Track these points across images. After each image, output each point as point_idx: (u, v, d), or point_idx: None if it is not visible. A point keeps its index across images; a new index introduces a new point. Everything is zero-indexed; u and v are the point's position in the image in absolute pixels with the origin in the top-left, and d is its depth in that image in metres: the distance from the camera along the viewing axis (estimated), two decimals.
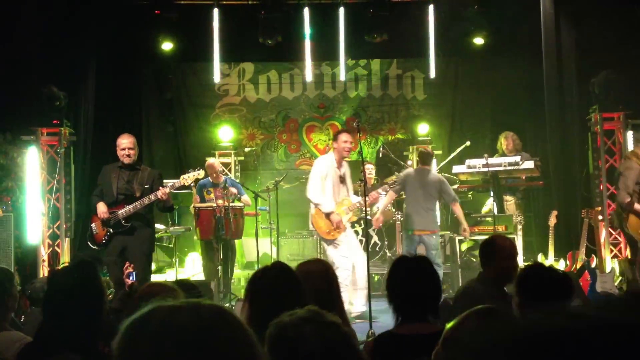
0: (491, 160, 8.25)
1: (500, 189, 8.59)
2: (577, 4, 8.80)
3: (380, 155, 9.83)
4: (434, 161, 8.71)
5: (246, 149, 10.64)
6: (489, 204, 8.69)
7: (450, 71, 10.93)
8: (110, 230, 6.65)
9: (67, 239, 8.26)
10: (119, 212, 6.61)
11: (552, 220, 7.90)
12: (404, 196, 8.14)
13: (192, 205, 8.39)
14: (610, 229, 8.25)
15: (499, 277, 3.75)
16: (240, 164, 10.55)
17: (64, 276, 3.19)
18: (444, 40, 10.14)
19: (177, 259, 8.83)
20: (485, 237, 7.57)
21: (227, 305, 7.49)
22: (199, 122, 11.05)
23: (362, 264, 6.64)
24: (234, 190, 8.05)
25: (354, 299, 6.89)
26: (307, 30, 9.97)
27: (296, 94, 11.22)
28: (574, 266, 7.62)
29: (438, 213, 8.37)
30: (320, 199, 7.08)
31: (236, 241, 8.36)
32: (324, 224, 7.06)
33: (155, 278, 7.56)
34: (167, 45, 9.98)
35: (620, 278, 7.67)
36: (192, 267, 9.09)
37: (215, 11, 9.86)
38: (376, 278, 8.66)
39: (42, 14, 8.39)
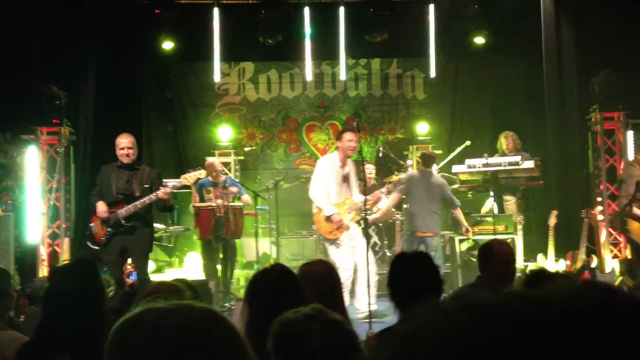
0: (491, 160, 8.25)
1: (500, 188, 8.59)
2: (577, 2, 8.80)
3: (380, 155, 9.82)
4: (434, 167, 8.69)
5: (246, 149, 10.63)
6: (489, 204, 8.68)
7: (450, 71, 10.92)
8: (110, 229, 6.64)
9: (66, 238, 8.26)
10: (119, 211, 6.60)
11: (552, 220, 7.90)
12: (403, 196, 8.13)
13: (192, 205, 8.39)
14: (610, 229, 8.25)
15: (495, 281, 3.71)
16: (240, 164, 10.55)
17: (65, 274, 3.19)
18: (444, 39, 10.13)
19: (177, 259, 8.83)
20: (485, 237, 7.63)
21: (227, 305, 7.49)
22: (199, 121, 11.04)
23: (370, 263, 6.60)
24: (234, 189, 8.04)
25: (363, 296, 6.79)
26: (307, 29, 9.97)
27: (296, 94, 11.21)
28: (574, 266, 7.62)
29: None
30: (322, 201, 7.04)
31: (237, 241, 8.35)
32: (325, 224, 7.04)
33: (154, 278, 7.55)
34: (167, 45, 9.98)
35: (620, 278, 7.67)
36: (191, 266, 9.08)
37: (216, 10, 9.86)
38: (376, 278, 8.64)
39: (43, 14, 8.39)
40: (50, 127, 8.28)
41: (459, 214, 7.90)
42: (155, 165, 8.80)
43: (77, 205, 8.53)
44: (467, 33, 10.02)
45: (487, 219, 8.36)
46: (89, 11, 8.73)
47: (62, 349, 2.65)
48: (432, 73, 10.31)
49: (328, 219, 6.98)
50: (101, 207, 6.62)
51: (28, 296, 6.87)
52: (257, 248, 7.89)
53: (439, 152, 9.95)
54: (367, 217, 6.92)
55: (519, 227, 8.21)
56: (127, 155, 6.66)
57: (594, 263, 7.67)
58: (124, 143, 6.69)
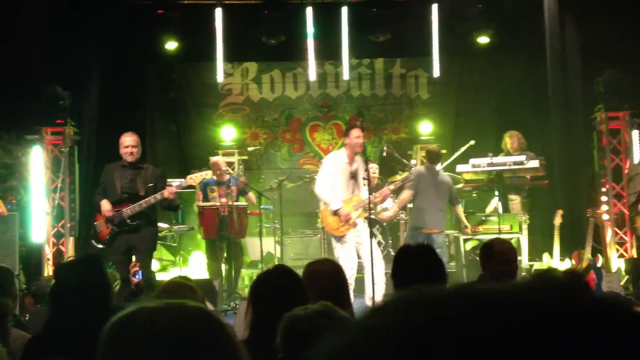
0: (496, 160, 8.22)
1: (505, 188, 8.57)
2: (581, 1, 8.79)
3: (384, 155, 9.80)
4: (438, 165, 8.67)
5: (249, 149, 10.61)
6: (494, 204, 8.66)
7: (454, 70, 10.90)
8: (115, 228, 6.63)
9: (71, 237, 8.26)
10: (124, 210, 6.58)
11: (558, 220, 7.88)
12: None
13: (196, 204, 8.38)
14: (616, 228, 8.23)
15: (494, 280, 3.68)
16: (244, 163, 10.54)
17: (70, 269, 3.19)
18: (447, 39, 10.12)
19: (181, 258, 8.83)
20: (490, 236, 7.61)
21: (232, 304, 7.48)
22: (202, 121, 11.04)
23: (377, 259, 6.57)
24: (244, 180, 8.03)
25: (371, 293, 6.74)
26: (310, 29, 9.96)
27: (299, 94, 11.20)
28: (579, 266, 7.60)
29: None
30: (328, 196, 7.02)
31: (242, 240, 8.34)
32: (332, 220, 6.99)
33: (159, 277, 7.55)
34: (170, 45, 9.98)
35: (626, 277, 7.65)
36: (196, 266, 9.07)
37: (218, 10, 9.85)
38: (384, 279, 8.62)
39: (46, 14, 8.39)
40: (55, 127, 8.28)
41: (460, 211, 7.91)
42: (158, 165, 8.79)
43: (82, 205, 8.53)
44: (471, 32, 10.01)
45: (492, 218, 8.35)
46: (92, 11, 8.73)
47: (69, 343, 2.64)
48: (436, 73, 10.29)
49: (335, 213, 6.94)
50: (105, 206, 6.61)
51: (33, 294, 6.88)
52: (261, 248, 7.89)
53: (443, 151, 9.93)
54: (371, 216, 6.90)
55: (524, 226, 8.19)
56: (131, 153, 6.66)
57: (599, 262, 7.65)
58: (128, 141, 6.68)
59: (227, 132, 10.51)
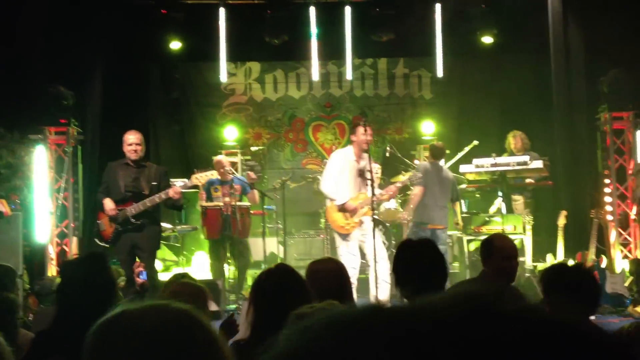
0: (499, 160, 8.21)
1: (509, 188, 8.55)
2: (585, 1, 8.77)
3: (387, 155, 9.78)
4: (442, 161, 8.66)
5: (253, 148, 10.60)
6: (497, 204, 8.65)
7: (457, 70, 10.88)
8: (119, 227, 6.62)
9: (75, 237, 8.27)
10: (128, 209, 6.57)
11: (561, 220, 7.87)
12: (409, 193, 8.09)
13: (199, 204, 8.37)
14: (620, 229, 8.21)
15: (498, 276, 3.64)
16: (247, 164, 10.53)
17: (75, 267, 3.20)
18: (451, 39, 10.10)
19: (184, 258, 8.83)
20: None
21: (235, 305, 7.48)
22: (205, 121, 11.04)
23: (382, 259, 6.55)
24: (253, 175, 8.02)
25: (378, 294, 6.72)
26: (314, 29, 9.95)
27: (302, 93, 11.19)
28: None
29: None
30: (332, 192, 6.98)
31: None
32: (338, 217, 6.96)
33: (161, 277, 7.55)
34: (173, 45, 9.98)
35: (630, 278, 7.63)
36: (199, 266, 9.07)
37: (222, 10, 9.85)
38: (389, 279, 8.62)
39: (49, 14, 8.40)
40: (58, 126, 8.30)
41: (458, 207, 7.94)
42: (162, 165, 8.79)
43: (85, 205, 8.53)
44: (474, 32, 9.99)
45: (496, 219, 8.33)
46: (96, 11, 8.74)
47: (76, 340, 2.65)
48: (439, 72, 10.28)
49: (341, 209, 6.90)
50: (109, 205, 6.60)
51: (37, 293, 6.87)
52: (264, 248, 7.88)
53: (447, 151, 9.93)
54: (375, 216, 6.88)
55: (528, 227, 8.18)
56: (135, 151, 6.65)
57: (603, 263, 7.64)
58: (132, 139, 6.68)
59: (230, 132, 10.51)
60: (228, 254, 7.89)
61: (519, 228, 8.20)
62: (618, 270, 7.79)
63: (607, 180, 8.33)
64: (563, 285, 2.91)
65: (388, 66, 11.17)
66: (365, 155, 7.02)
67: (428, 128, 10.50)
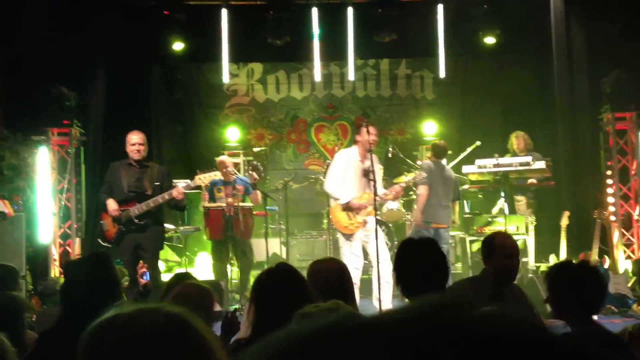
0: (502, 160, 8.20)
1: (511, 189, 8.54)
2: (588, 2, 8.76)
3: (390, 156, 9.78)
4: (444, 160, 8.65)
5: (255, 149, 10.61)
6: (500, 204, 8.64)
7: (459, 71, 10.89)
8: (122, 227, 6.62)
9: (77, 238, 8.28)
10: (131, 209, 6.57)
11: (564, 221, 7.86)
12: (412, 195, 8.08)
13: (202, 205, 8.38)
14: (622, 230, 8.20)
15: (499, 275, 3.62)
16: (250, 164, 10.54)
17: (79, 266, 3.20)
18: (453, 39, 10.11)
19: (187, 259, 8.83)
20: None
21: (238, 305, 7.48)
22: (207, 122, 11.05)
23: (385, 260, 6.54)
24: (256, 176, 8.01)
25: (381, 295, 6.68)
26: (316, 30, 9.97)
27: (305, 94, 11.20)
28: None
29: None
30: (336, 191, 6.96)
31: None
32: (342, 217, 6.93)
33: (164, 278, 7.55)
34: (176, 46, 10.00)
35: (634, 279, 7.62)
36: (201, 266, 9.08)
37: (224, 11, 9.87)
38: (392, 281, 8.62)
39: (51, 14, 8.41)
40: (61, 127, 8.31)
41: (457, 207, 7.91)
42: (164, 165, 8.81)
43: (88, 206, 8.54)
44: (477, 33, 9.99)
45: (498, 219, 8.33)
46: (98, 12, 8.75)
47: (79, 339, 2.65)
48: (442, 73, 10.29)
49: (347, 207, 6.88)
50: (112, 205, 6.60)
51: (40, 294, 6.88)
52: (267, 248, 7.88)
53: (449, 152, 9.93)
54: (377, 217, 6.86)
55: (531, 227, 8.17)
56: (138, 151, 6.66)
57: (606, 264, 7.62)
58: (135, 139, 6.69)
59: (233, 133, 10.52)
60: (231, 255, 7.90)
61: (521, 228, 8.20)
62: (621, 270, 7.78)
63: (609, 181, 8.32)
64: (568, 283, 2.90)
65: (390, 67, 11.18)
66: (373, 156, 7.00)
67: (430, 129, 10.51)
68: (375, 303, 6.62)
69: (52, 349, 2.78)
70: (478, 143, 9.24)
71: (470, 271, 8.21)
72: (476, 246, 8.42)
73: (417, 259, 3.07)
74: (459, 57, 10.69)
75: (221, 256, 7.87)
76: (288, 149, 11.18)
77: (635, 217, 8.25)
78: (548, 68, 9.15)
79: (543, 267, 7.83)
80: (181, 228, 8.89)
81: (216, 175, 7.00)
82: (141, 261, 6.43)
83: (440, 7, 9.91)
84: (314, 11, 9.90)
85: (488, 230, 8.20)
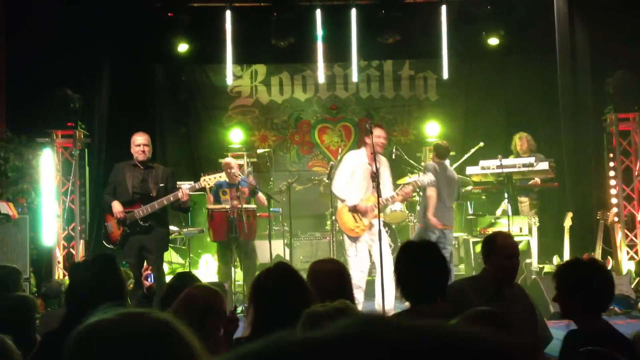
0: (505, 161, 8.19)
1: (515, 190, 8.54)
2: (591, 3, 8.76)
3: (393, 157, 9.78)
4: (447, 161, 8.64)
5: (259, 151, 10.63)
6: (504, 206, 8.64)
7: (463, 72, 10.89)
8: (127, 229, 6.63)
9: (81, 240, 8.30)
10: (136, 211, 6.58)
11: (568, 222, 7.85)
12: (415, 196, 8.07)
13: (207, 207, 8.39)
14: (626, 231, 8.19)
15: (498, 275, 3.61)
16: (253, 166, 10.55)
17: (85, 268, 3.21)
18: (456, 40, 10.11)
19: (191, 261, 8.85)
20: None
21: (240, 307, 7.49)
22: (211, 123, 11.08)
23: (389, 266, 6.54)
24: (253, 181, 8.01)
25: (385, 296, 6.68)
26: (320, 31, 9.98)
27: (308, 96, 11.22)
28: None
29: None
30: (343, 193, 6.95)
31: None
32: (348, 220, 6.93)
33: (168, 280, 7.56)
34: (180, 47, 10.03)
35: (637, 279, 7.61)
36: (205, 268, 9.10)
37: (228, 13, 9.89)
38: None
39: (57, 17, 8.45)
40: (65, 130, 8.33)
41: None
42: (168, 167, 8.83)
43: (92, 208, 8.57)
44: (480, 34, 9.99)
45: (501, 220, 8.32)
46: (102, 15, 8.78)
47: None
48: (445, 74, 10.30)
49: (354, 209, 6.87)
50: (117, 207, 6.61)
51: (43, 296, 6.90)
52: (270, 250, 7.89)
53: (452, 153, 9.93)
54: (381, 219, 6.85)
55: (534, 228, 8.15)
56: (143, 152, 6.68)
57: (609, 265, 7.61)
58: (140, 140, 6.71)
59: (236, 135, 10.53)
60: (234, 256, 7.90)
61: (524, 230, 8.19)
62: (624, 271, 7.77)
63: (613, 182, 8.31)
64: (576, 281, 2.89)
65: (394, 68, 11.18)
66: (382, 159, 6.99)
67: (434, 130, 10.50)
68: (377, 307, 6.61)
69: (56, 350, 2.79)
70: (481, 144, 9.23)
71: (473, 272, 8.20)
72: (480, 247, 8.41)
73: (418, 262, 3.08)
74: (462, 58, 10.69)
75: (227, 260, 7.88)
76: (291, 151, 11.20)
77: (639, 218, 8.24)
78: (551, 69, 9.14)
79: (546, 268, 7.81)
80: (185, 230, 8.91)
81: (221, 177, 7.01)
82: (146, 263, 6.47)
83: (443, 8, 9.92)
84: (318, 13, 9.91)
85: (491, 231, 8.20)
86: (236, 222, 7.56)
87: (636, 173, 8.32)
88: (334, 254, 8.53)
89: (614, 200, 8.25)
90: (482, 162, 8.35)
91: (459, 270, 8.60)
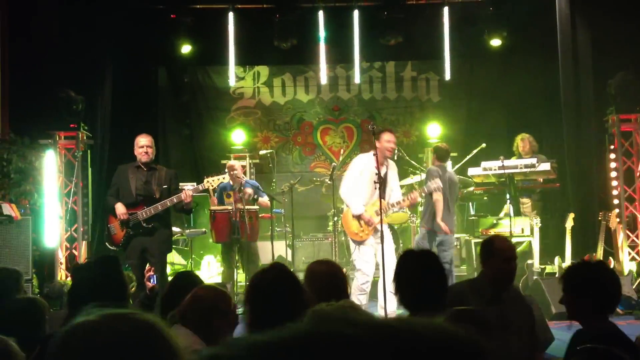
0: (507, 162, 8.19)
1: (516, 191, 8.53)
2: (593, 3, 8.75)
3: (395, 158, 9.77)
4: (449, 163, 8.64)
5: (261, 152, 10.64)
6: (506, 209, 8.63)
7: (465, 73, 10.89)
8: (130, 231, 6.65)
9: (84, 241, 8.32)
10: (139, 213, 6.60)
11: (569, 223, 7.84)
12: (418, 198, 8.07)
13: (209, 208, 8.41)
14: (627, 231, 8.18)
15: (496, 278, 3.61)
16: (256, 167, 10.57)
17: (88, 269, 3.23)
18: (458, 42, 10.12)
19: (193, 262, 8.86)
20: None
21: (241, 307, 7.49)
22: (214, 125, 11.10)
23: (390, 266, 6.54)
24: (249, 190, 8.01)
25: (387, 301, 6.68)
26: (322, 33, 10.00)
27: (311, 97, 11.24)
28: None
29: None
30: (351, 200, 6.92)
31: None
32: (353, 224, 6.93)
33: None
34: (183, 49, 10.04)
35: (638, 280, 7.60)
36: (207, 269, 9.12)
37: (231, 15, 9.92)
38: None
39: (59, 18, 8.48)
40: (68, 131, 8.36)
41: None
42: (171, 168, 8.85)
43: (95, 209, 8.59)
44: (482, 35, 9.99)
45: (503, 221, 8.32)
46: (105, 16, 8.80)
47: None
48: (447, 75, 10.30)
49: (358, 217, 6.88)
50: (120, 209, 6.62)
51: (45, 297, 6.92)
52: (272, 251, 7.90)
53: (455, 154, 9.93)
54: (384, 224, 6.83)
55: (536, 229, 8.15)
56: (147, 153, 6.69)
57: (611, 266, 7.61)
58: (144, 142, 6.72)
59: (239, 136, 10.56)
60: (237, 257, 7.92)
61: (526, 230, 8.19)
62: (626, 272, 7.76)
63: (614, 183, 8.31)
64: (583, 283, 2.89)
65: (396, 69, 11.20)
66: (391, 163, 6.98)
67: (436, 131, 10.51)
68: (380, 310, 6.61)
69: None
70: (483, 145, 9.23)
71: (475, 273, 8.20)
72: None
73: (417, 270, 3.08)
74: (464, 60, 10.70)
75: (230, 261, 7.89)
76: (294, 152, 11.21)
77: None
78: (553, 70, 9.14)
79: (548, 268, 7.81)
80: (187, 231, 8.93)
81: (224, 179, 7.02)
82: (148, 264, 6.47)
83: (445, 10, 9.93)
84: (320, 14, 9.93)
85: (493, 232, 8.20)
86: (238, 224, 7.57)
87: (638, 174, 8.32)
88: (336, 254, 8.55)
89: (615, 201, 8.25)
90: (484, 163, 8.36)
91: (461, 270, 8.60)
